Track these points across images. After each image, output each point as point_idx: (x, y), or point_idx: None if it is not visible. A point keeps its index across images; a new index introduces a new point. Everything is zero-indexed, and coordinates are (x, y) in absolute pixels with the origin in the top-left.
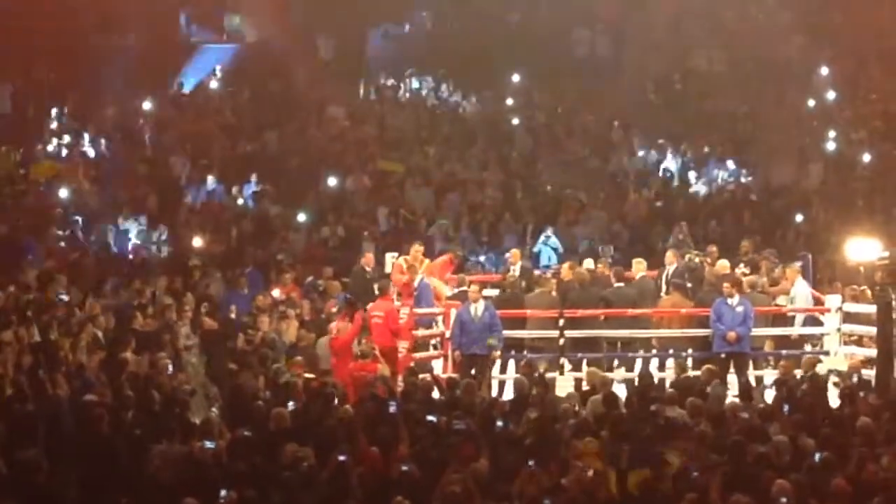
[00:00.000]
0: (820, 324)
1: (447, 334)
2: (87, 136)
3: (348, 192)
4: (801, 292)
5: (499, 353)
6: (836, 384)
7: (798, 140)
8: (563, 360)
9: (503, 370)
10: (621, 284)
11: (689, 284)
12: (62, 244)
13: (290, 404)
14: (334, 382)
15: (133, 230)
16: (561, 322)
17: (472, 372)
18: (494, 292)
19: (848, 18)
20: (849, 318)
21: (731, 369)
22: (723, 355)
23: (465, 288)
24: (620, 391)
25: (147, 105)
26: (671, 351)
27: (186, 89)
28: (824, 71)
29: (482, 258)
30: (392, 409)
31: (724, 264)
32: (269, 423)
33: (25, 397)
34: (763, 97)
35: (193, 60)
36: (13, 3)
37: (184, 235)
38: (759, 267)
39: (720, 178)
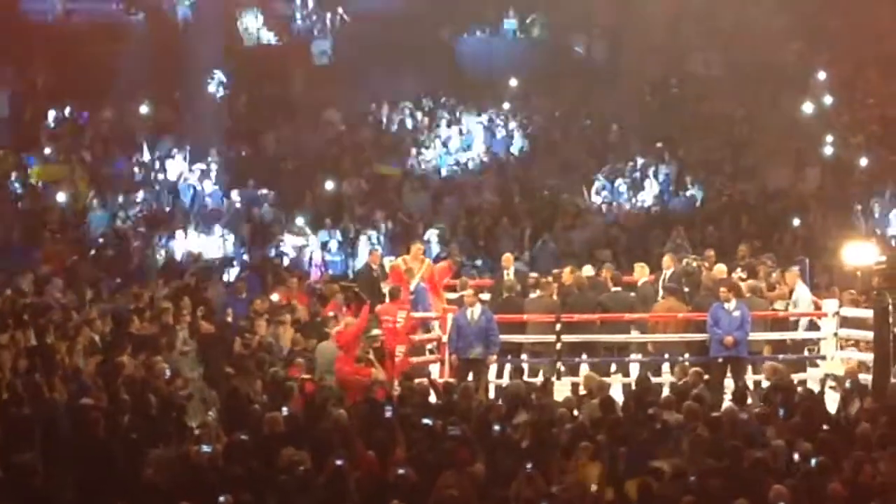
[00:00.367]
0: (817, 328)
1: (444, 338)
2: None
3: (345, 196)
4: (802, 296)
5: (495, 357)
6: (832, 388)
7: (795, 144)
8: (560, 365)
9: (500, 375)
10: (619, 289)
11: (686, 289)
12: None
13: (285, 409)
14: (330, 386)
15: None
16: (558, 326)
17: (469, 376)
18: (487, 296)
19: (845, 23)
20: (846, 322)
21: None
22: (720, 359)
23: (466, 292)
24: (618, 396)
25: (144, 109)
26: (667, 355)
27: None
28: (822, 75)
29: (479, 262)
30: (388, 413)
31: (721, 268)
32: (266, 428)
33: (22, 401)
34: (760, 101)
35: None
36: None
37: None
38: (756, 271)
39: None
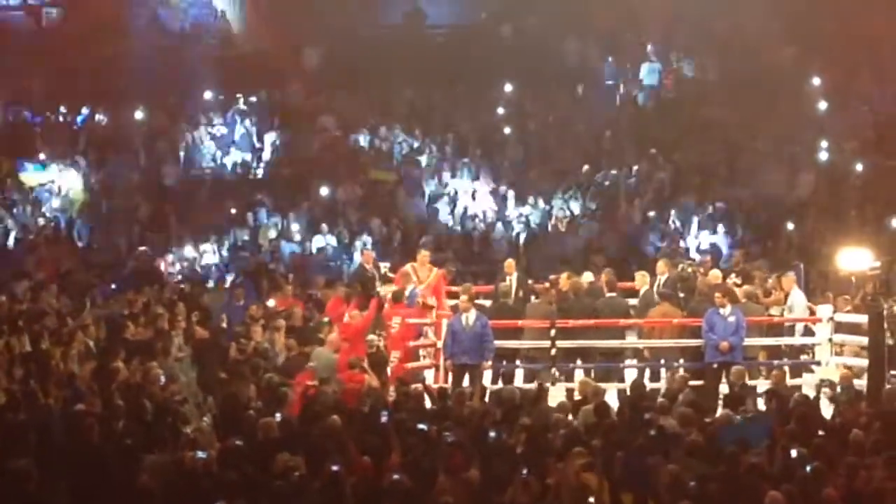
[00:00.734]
0: (812, 334)
1: (439, 344)
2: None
3: (340, 202)
4: (798, 301)
5: (490, 362)
6: (827, 394)
7: (789, 149)
8: (555, 370)
9: (495, 380)
10: (614, 294)
11: (681, 294)
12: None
13: (279, 415)
14: (326, 392)
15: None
16: (553, 332)
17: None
18: (482, 302)
19: (840, 28)
20: (840, 328)
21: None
22: (714, 365)
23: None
24: (613, 401)
25: (140, 114)
26: (663, 361)
27: None
28: (816, 81)
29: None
30: (384, 418)
31: (715, 274)
32: (260, 433)
33: (17, 407)
34: (755, 106)
35: None
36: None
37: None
38: (750, 277)
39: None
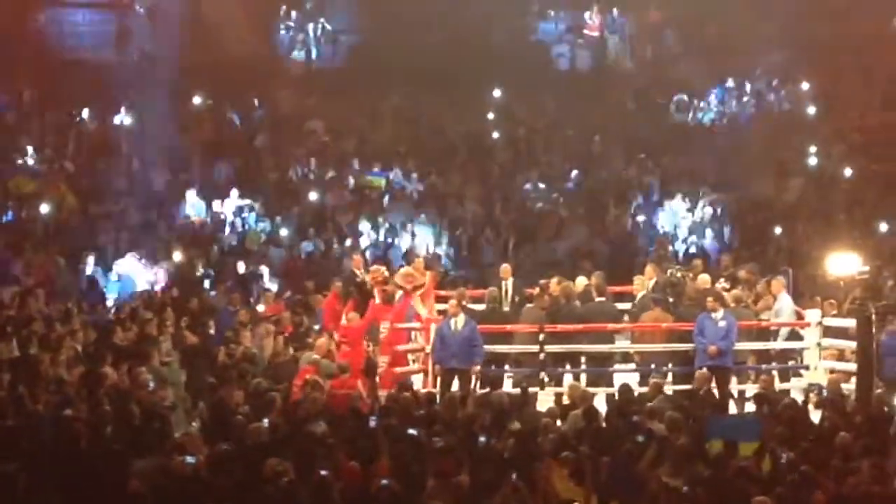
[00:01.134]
0: (800, 338)
1: (427, 349)
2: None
3: (329, 207)
4: (785, 305)
5: (479, 367)
6: (815, 399)
7: (778, 154)
8: (544, 375)
9: (483, 385)
10: (603, 299)
11: (670, 299)
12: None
13: (266, 420)
14: (314, 397)
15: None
16: (541, 337)
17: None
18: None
19: (828, 33)
20: (829, 332)
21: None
22: (704, 369)
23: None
24: (602, 406)
25: (128, 120)
26: (653, 366)
27: None
28: (805, 85)
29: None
30: (372, 423)
31: (704, 279)
32: (249, 438)
33: (5, 412)
34: (743, 111)
35: None
36: None
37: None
38: (740, 282)
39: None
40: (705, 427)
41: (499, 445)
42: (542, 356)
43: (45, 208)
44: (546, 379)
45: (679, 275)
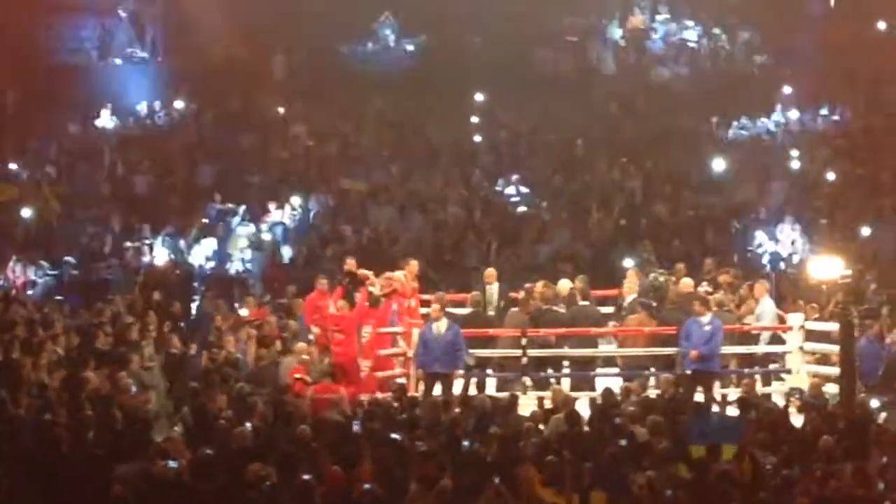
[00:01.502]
0: (783, 342)
1: (410, 353)
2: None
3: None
4: (767, 309)
5: (461, 371)
6: (797, 403)
7: (761, 158)
8: (527, 379)
9: (466, 389)
10: (586, 303)
11: (653, 303)
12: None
13: (248, 424)
14: (296, 402)
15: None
16: (524, 341)
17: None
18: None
19: (810, 37)
20: (811, 336)
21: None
22: (688, 372)
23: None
24: (585, 410)
25: (111, 124)
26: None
27: None
28: (787, 90)
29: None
30: (355, 427)
31: (687, 283)
32: (232, 443)
33: None
34: (726, 115)
35: None
36: None
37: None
38: (721, 286)
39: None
40: (687, 430)
41: (481, 449)
42: (524, 360)
43: (26, 213)
44: (529, 383)
45: (662, 279)
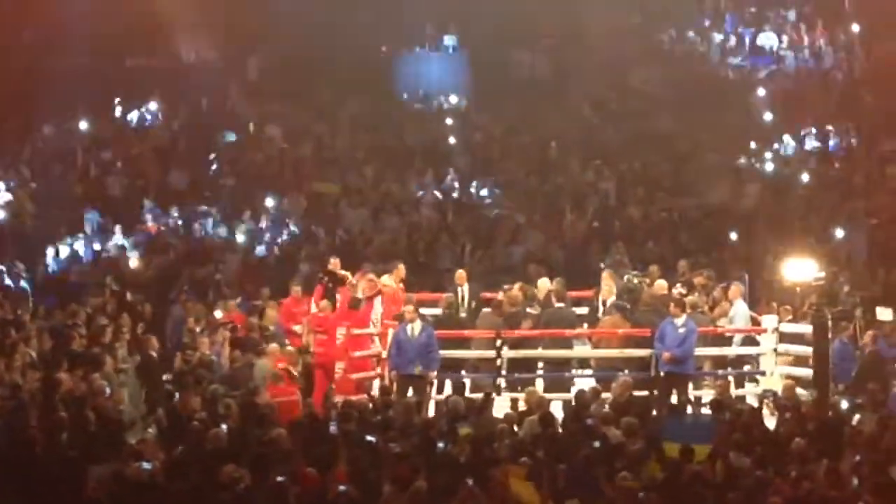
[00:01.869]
0: (757, 344)
1: (384, 354)
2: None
3: (285, 213)
4: (740, 312)
5: (435, 373)
6: (770, 404)
7: (735, 160)
8: (501, 380)
9: (440, 390)
10: (562, 305)
11: (627, 305)
12: None
13: (224, 426)
14: (270, 404)
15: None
16: (499, 342)
17: (410, 392)
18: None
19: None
20: (785, 338)
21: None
22: (662, 374)
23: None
24: (559, 412)
25: (84, 125)
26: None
27: None
28: (761, 91)
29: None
30: (331, 429)
31: (661, 284)
32: (206, 444)
33: None
34: (700, 117)
35: None
36: None
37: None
38: (695, 287)
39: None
40: (661, 430)
41: (455, 451)
42: (498, 362)
43: (1, 214)
44: (503, 384)
45: (636, 281)
